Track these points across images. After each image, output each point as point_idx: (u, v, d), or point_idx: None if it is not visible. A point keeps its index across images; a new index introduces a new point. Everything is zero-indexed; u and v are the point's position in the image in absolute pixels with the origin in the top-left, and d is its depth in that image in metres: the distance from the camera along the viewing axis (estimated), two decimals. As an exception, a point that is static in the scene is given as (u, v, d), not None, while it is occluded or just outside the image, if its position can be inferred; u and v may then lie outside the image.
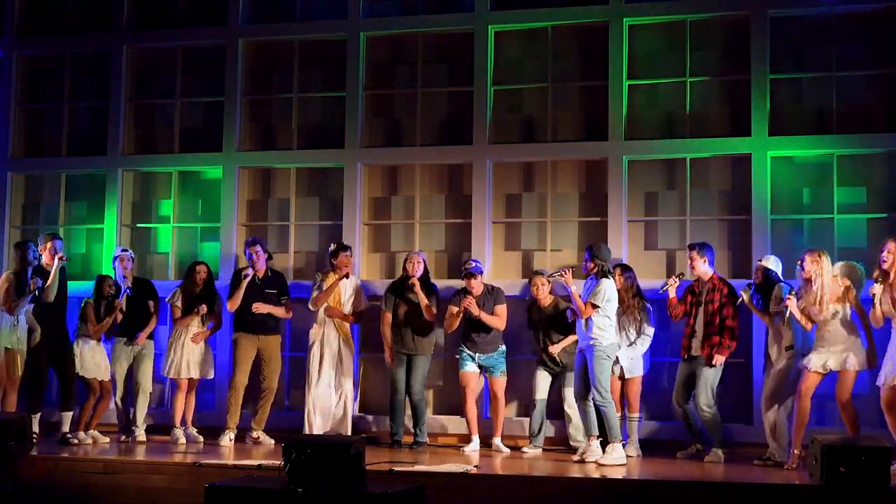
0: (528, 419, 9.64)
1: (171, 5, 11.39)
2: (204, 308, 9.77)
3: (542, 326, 9.41)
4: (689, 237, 9.87)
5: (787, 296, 8.43)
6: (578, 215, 10.34)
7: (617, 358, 9.03)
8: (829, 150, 9.81)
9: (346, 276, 9.79)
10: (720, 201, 10.09)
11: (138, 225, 11.23)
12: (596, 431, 8.64)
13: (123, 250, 10.05)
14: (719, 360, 8.78)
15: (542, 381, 9.40)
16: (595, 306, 8.51)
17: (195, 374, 9.81)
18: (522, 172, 10.53)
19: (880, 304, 8.05)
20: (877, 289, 8.05)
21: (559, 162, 10.43)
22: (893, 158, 9.77)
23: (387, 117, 10.86)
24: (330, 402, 9.73)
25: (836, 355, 8.25)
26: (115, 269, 9.98)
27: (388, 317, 9.66)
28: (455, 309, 9.43)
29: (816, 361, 8.31)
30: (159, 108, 11.38)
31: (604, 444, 8.59)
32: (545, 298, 9.41)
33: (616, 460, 8.42)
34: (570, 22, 10.44)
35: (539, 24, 10.51)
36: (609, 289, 8.57)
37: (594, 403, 8.55)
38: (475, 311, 9.33)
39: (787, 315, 8.40)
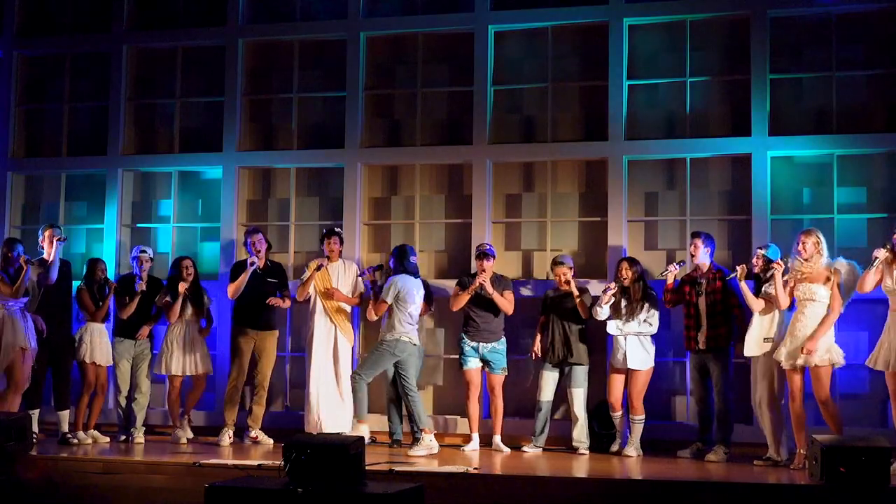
0: (529, 420, 9.64)
1: (171, 5, 11.40)
2: (184, 285, 9.71)
3: (558, 311, 9.36)
4: (689, 237, 9.86)
5: (777, 261, 8.41)
6: (578, 215, 10.34)
7: (624, 350, 9.05)
8: (829, 150, 9.81)
9: (319, 267, 9.70)
10: (720, 201, 10.09)
11: (138, 225, 11.23)
12: (423, 424, 9.01)
13: (142, 251, 9.99)
14: (740, 348, 8.85)
15: (548, 382, 9.38)
16: (385, 301, 9.11)
17: (191, 371, 9.79)
18: (522, 172, 10.53)
19: (879, 270, 8.01)
20: (881, 252, 8.04)
21: (559, 162, 10.44)
22: (893, 158, 9.77)
23: (387, 117, 10.87)
24: (328, 398, 9.71)
25: (807, 349, 8.24)
26: (132, 266, 9.95)
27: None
28: (466, 290, 9.40)
29: (786, 357, 8.31)
30: (159, 108, 11.39)
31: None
32: (566, 285, 9.38)
33: (428, 449, 8.89)
34: (570, 22, 10.44)
35: (539, 24, 10.52)
36: (395, 284, 9.05)
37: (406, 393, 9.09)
38: (490, 289, 9.31)
39: (769, 274, 8.48)
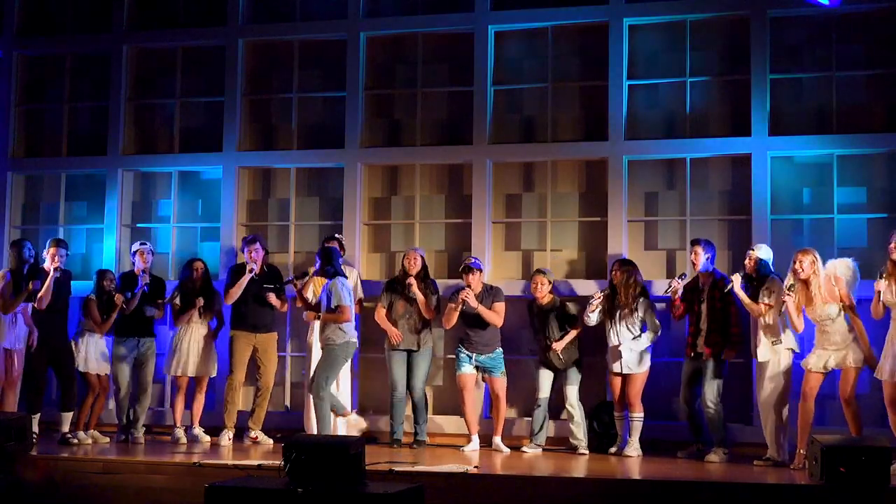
0: (528, 419, 9.65)
1: (171, 5, 11.40)
2: (201, 301, 9.74)
3: (542, 324, 9.40)
4: (689, 237, 9.86)
5: (787, 292, 8.42)
6: (578, 215, 10.34)
7: (619, 353, 9.07)
8: (829, 150, 9.81)
9: (305, 274, 9.67)
10: (720, 201, 10.09)
11: (138, 225, 11.23)
12: (341, 410, 9.19)
13: (142, 244, 10.00)
14: (730, 354, 8.88)
15: (545, 380, 9.39)
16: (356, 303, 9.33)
17: (198, 373, 9.79)
18: (522, 172, 10.53)
19: (882, 295, 8.02)
20: (881, 285, 8.04)
21: (559, 162, 10.44)
22: (893, 158, 9.77)
23: (387, 117, 10.87)
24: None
25: (836, 354, 8.26)
26: (133, 262, 9.95)
27: (382, 311, 9.63)
28: (453, 304, 9.43)
29: (816, 362, 8.33)
30: (159, 108, 11.39)
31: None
32: (544, 297, 9.42)
33: (352, 424, 9.12)
34: (570, 22, 10.44)
35: (539, 24, 10.51)
36: (342, 286, 9.08)
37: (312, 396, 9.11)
38: (473, 303, 9.31)
39: (783, 309, 8.46)
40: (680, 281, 9.12)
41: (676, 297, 9.10)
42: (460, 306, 9.37)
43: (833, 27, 9.93)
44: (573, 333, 9.28)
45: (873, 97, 9.87)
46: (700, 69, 10.19)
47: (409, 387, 9.58)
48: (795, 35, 10.02)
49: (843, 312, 8.30)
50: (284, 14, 11.12)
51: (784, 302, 8.40)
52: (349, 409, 9.47)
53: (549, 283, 9.43)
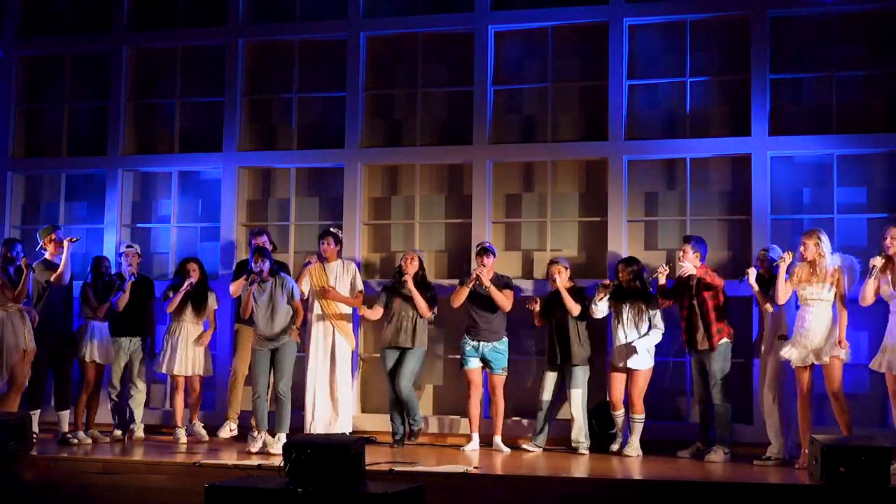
0: (528, 419, 9.65)
1: (171, 5, 11.40)
2: (191, 281, 9.71)
3: (556, 315, 9.36)
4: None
5: (784, 254, 8.43)
6: (578, 215, 10.35)
7: (625, 350, 9.07)
8: (829, 150, 9.82)
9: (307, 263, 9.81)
10: (720, 201, 10.09)
11: (138, 225, 11.24)
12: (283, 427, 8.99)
13: (128, 246, 10.04)
14: (720, 341, 8.83)
15: (548, 381, 9.39)
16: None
17: (190, 372, 9.78)
18: (522, 172, 10.53)
19: (876, 279, 8.02)
20: (877, 260, 8.04)
21: (559, 162, 10.44)
22: (893, 158, 9.77)
23: (387, 117, 10.87)
24: (324, 400, 9.69)
25: (815, 349, 8.25)
26: (120, 264, 9.97)
27: (379, 310, 9.63)
28: (464, 284, 9.41)
29: (797, 357, 8.30)
30: (159, 108, 11.39)
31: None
32: (566, 285, 9.37)
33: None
34: (570, 22, 10.44)
35: (539, 25, 10.52)
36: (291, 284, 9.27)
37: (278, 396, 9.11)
38: (486, 281, 9.31)
39: (775, 268, 8.50)
40: (666, 268, 9.10)
41: (661, 283, 9.08)
42: (472, 284, 9.36)
43: (833, 27, 9.93)
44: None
45: (873, 97, 9.88)
46: (700, 69, 10.20)
47: (395, 384, 9.54)
48: (795, 35, 10.03)
49: (833, 300, 8.28)
50: (284, 14, 11.13)
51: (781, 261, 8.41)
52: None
53: (566, 269, 9.42)
